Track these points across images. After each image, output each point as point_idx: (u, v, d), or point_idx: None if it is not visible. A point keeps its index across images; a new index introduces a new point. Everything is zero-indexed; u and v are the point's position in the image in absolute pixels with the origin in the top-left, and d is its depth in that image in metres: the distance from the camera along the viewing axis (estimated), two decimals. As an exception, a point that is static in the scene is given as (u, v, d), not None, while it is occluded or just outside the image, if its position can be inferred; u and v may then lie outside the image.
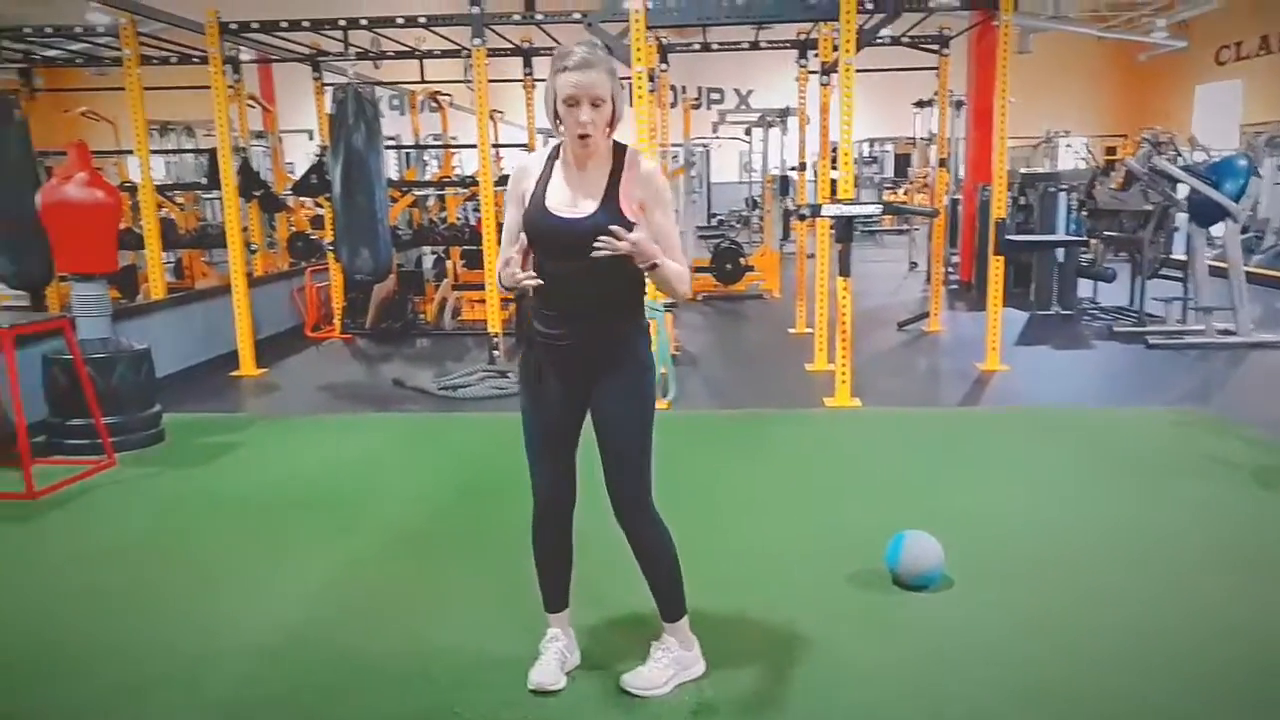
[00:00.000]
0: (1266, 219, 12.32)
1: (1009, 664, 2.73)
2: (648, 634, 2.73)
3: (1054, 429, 5.29)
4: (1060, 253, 9.37)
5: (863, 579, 3.30)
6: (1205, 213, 7.95)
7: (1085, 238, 9.61)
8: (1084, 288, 9.79)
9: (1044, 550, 3.56)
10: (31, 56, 8.45)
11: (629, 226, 2.35)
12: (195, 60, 8.16)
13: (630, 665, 2.67)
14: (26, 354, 4.87)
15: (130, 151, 9.03)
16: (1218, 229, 8.46)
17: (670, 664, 2.65)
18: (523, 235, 2.46)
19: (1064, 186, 9.88)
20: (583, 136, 2.36)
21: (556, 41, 9.12)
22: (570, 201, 2.43)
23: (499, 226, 3.01)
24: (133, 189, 9.12)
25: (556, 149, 2.51)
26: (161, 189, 9.50)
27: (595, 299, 2.46)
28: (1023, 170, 13.82)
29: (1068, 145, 17.90)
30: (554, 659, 2.68)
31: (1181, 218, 8.68)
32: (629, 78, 5.71)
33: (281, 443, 5.39)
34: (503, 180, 7.26)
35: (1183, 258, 8.40)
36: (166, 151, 13.64)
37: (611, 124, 2.40)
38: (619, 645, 2.83)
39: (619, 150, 2.48)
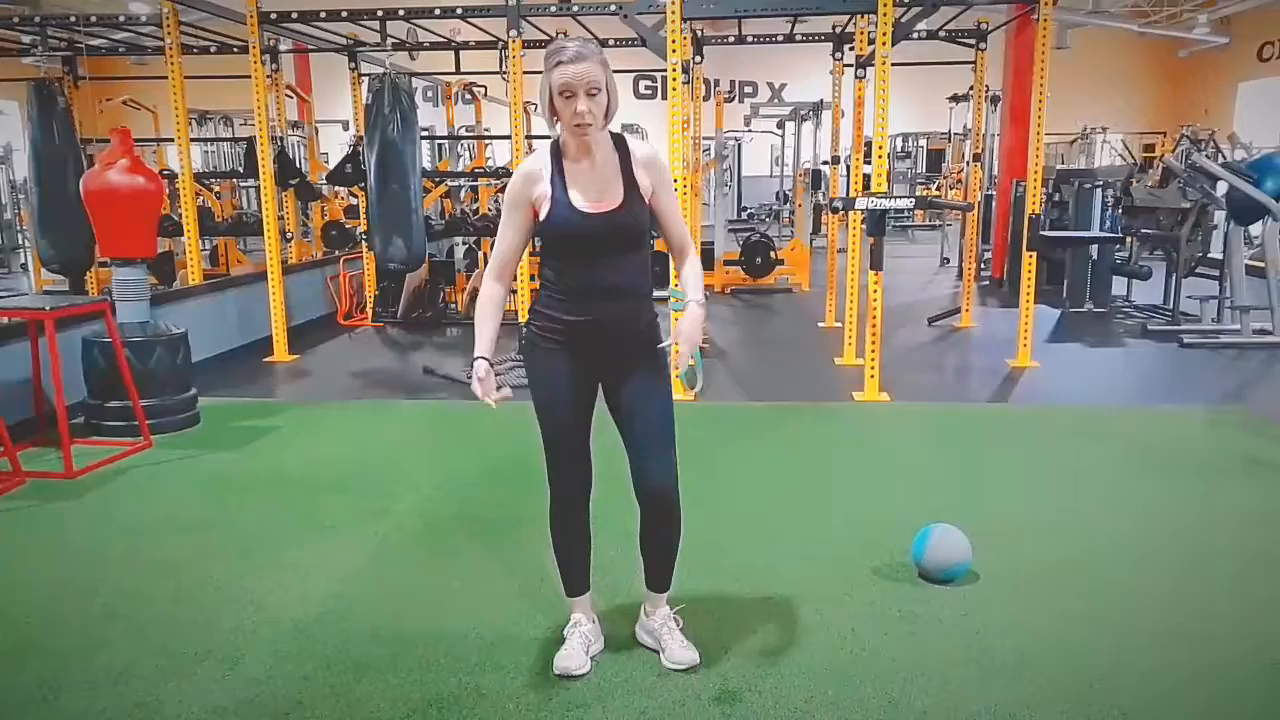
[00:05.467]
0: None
1: (1032, 664, 2.71)
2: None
3: (1086, 427, 5.24)
4: (1094, 250, 9.29)
5: (888, 572, 3.31)
6: (1244, 210, 7.84)
7: (1121, 235, 9.50)
8: (1118, 285, 9.70)
9: (1075, 550, 3.52)
10: (76, 45, 8.60)
11: (648, 213, 2.50)
12: (234, 50, 8.26)
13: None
14: (67, 336, 4.98)
15: (170, 139, 9.18)
16: (1256, 228, 8.35)
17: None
18: (503, 246, 2.51)
19: (1100, 183, 9.78)
20: (580, 126, 2.35)
21: (592, 33, 9.14)
22: (595, 196, 2.43)
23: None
24: (171, 176, 9.26)
25: (555, 148, 2.47)
26: (199, 177, 9.63)
27: (619, 285, 2.48)
28: (1058, 167, 13.69)
29: (1105, 142, 17.69)
30: (579, 643, 2.71)
31: (1220, 215, 8.57)
32: (663, 70, 5.73)
33: (313, 427, 5.47)
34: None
35: (1220, 256, 8.29)
36: (204, 140, 13.80)
37: (608, 114, 2.39)
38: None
39: (619, 139, 2.49)
